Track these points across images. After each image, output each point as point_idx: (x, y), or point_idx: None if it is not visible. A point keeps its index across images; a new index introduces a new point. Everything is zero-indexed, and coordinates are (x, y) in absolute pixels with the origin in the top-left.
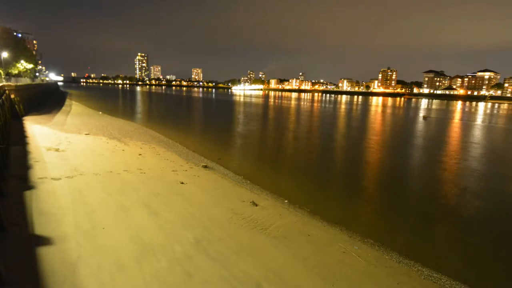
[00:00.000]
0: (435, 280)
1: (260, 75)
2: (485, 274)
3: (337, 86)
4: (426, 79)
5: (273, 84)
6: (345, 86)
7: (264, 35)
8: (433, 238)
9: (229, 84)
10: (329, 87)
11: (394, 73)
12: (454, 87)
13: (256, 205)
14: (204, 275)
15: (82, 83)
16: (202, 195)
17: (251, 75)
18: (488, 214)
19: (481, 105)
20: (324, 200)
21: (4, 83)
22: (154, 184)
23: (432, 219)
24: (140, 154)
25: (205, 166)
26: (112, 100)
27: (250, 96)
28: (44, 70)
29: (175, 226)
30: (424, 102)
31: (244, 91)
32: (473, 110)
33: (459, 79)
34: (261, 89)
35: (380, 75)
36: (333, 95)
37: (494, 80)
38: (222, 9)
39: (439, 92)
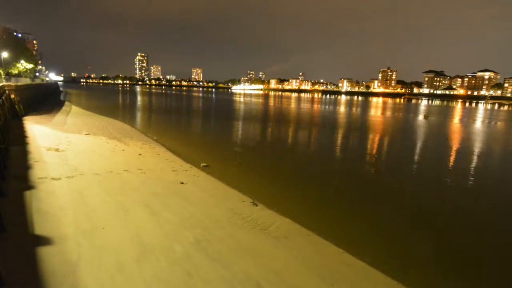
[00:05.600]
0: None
1: (260, 75)
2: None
3: (337, 86)
4: (426, 79)
5: (273, 84)
6: (345, 86)
7: (264, 35)
8: (432, 241)
9: (229, 84)
10: (329, 87)
11: (394, 73)
12: (454, 87)
13: (256, 205)
14: (204, 275)
15: (82, 83)
16: (202, 195)
17: (251, 75)
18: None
19: (481, 105)
20: (324, 203)
21: (4, 83)
22: (154, 184)
23: (432, 222)
24: (140, 154)
25: (205, 166)
26: (112, 100)
27: (250, 95)
28: (44, 70)
29: (175, 226)
30: (424, 102)
31: (244, 90)
32: (473, 110)
33: (459, 79)
34: (261, 89)
35: (380, 75)
36: (333, 95)
37: (494, 80)
38: (222, 9)
39: (439, 92)
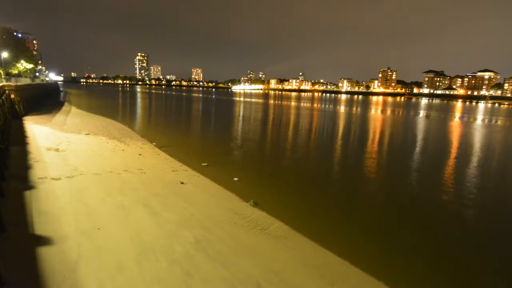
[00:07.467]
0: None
1: (260, 75)
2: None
3: (337, 86)
4: (426, 79)
5: (273, 84)
6: (345, 86)
7: (264, 35)
8: (432, 242)
9: (229, 84)
10: (329, 87)
11: (394, 73)
12: (454, 87)
13: (256, 205)
14: (204, 275)
15: (82, 83)
16: (202, 195)
17: (251, 75)
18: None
19: (481, 104)
20: (324, 204)
21: (4, 83)
22: (154, 184)
23: (432, 223)
24: (140, 154)
25: (205, 166)
26: (112, 100)
27: (250, 95)
28: (44, 70)
29: (175, 226)
30: (424, 102)
31: (244, 90)
32: (473, 109)
33: (459, 79)
34: (261, 89)
35: (380, 75)
36: (333, 95)
37: (494, 80)
38: (223, 9)
39: (439, 92)
